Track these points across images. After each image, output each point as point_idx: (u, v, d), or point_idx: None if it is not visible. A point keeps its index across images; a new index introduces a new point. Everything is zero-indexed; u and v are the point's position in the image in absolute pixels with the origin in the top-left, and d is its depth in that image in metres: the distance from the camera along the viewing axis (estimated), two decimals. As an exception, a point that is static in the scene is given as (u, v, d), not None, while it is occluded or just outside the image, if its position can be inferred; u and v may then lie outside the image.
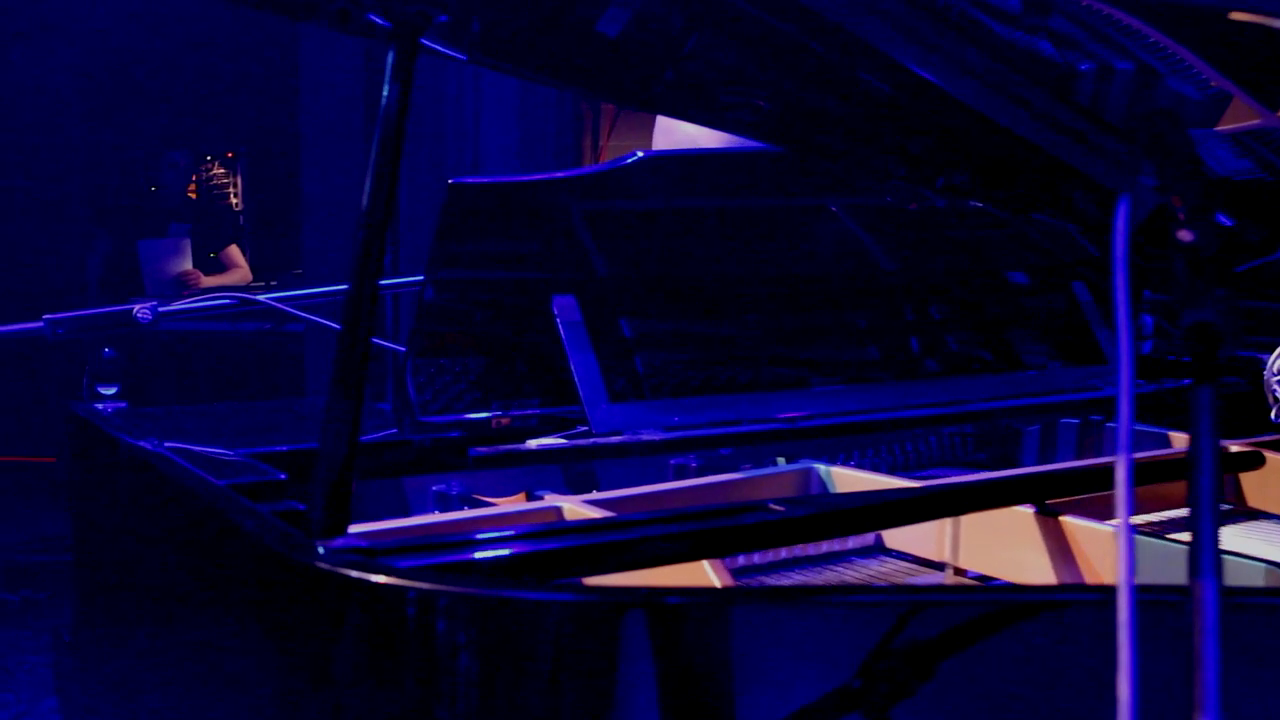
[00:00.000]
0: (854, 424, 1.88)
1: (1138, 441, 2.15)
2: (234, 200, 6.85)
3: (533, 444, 1.61)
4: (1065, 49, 2.20)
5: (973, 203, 2.45)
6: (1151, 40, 1.93)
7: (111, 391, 1.89)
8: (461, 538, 1.09)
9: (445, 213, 1.66)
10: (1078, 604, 0.93)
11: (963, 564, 1.57)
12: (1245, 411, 2.26)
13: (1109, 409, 2.19)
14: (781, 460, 1.84)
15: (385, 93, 1.09)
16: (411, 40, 1.08)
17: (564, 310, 1.77)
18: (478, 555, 1.04)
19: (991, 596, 0.94)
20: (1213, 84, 2.03)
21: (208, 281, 6.11)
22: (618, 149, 9.19)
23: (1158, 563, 1.44)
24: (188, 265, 6.06)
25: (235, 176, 6.79)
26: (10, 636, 4.38)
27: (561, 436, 1.67)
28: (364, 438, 1.55)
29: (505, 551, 1.06)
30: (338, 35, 5.02)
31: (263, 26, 6.26)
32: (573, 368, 1.74)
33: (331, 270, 5.03)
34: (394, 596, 0.90)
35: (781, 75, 1.95)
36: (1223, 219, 2.31)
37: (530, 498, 1.63)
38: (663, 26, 1.83)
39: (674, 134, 2.63)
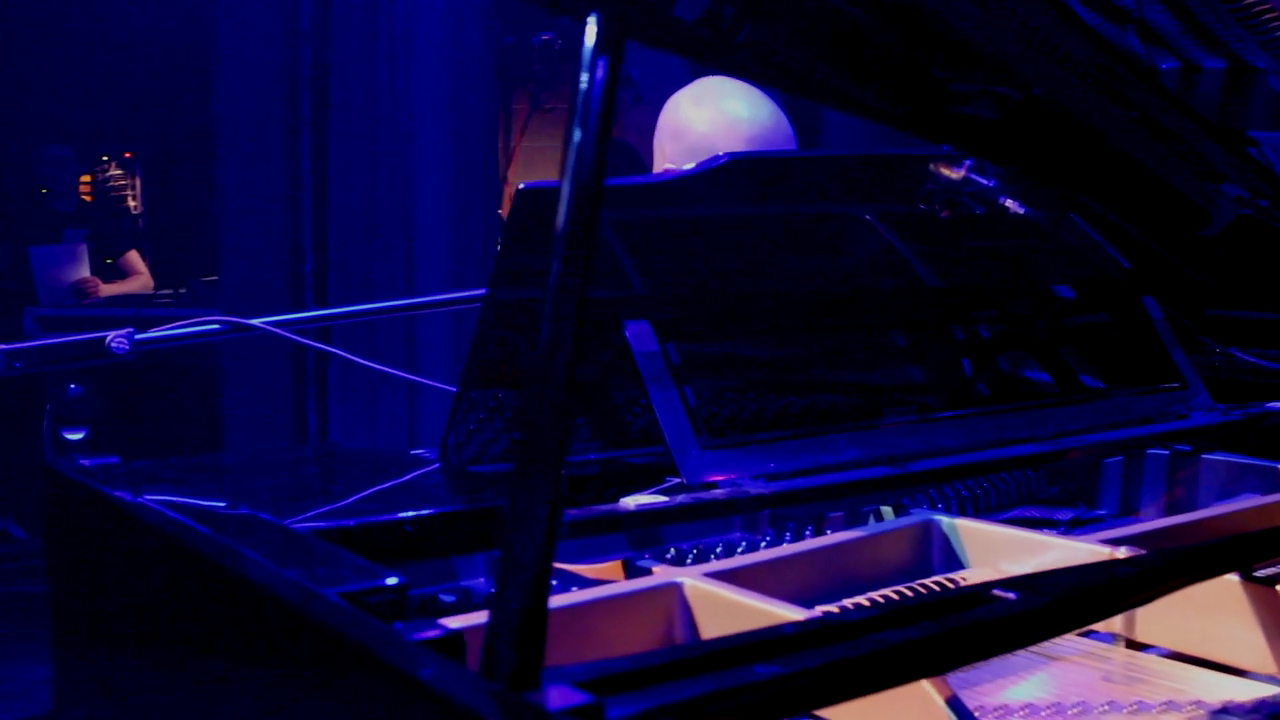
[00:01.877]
0: (968, 465, 1.65)
1: (1243, 478, 1.96)
2: (132, 203, 6.41)
3: (630, 503, 1.34)
4: (1150, 44, 2.00)
5: (1015, 208, 2.24)
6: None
7: (78, 437, 1.57)
8: (669, 658, 0.82)
9: (512, 222, 1.38)
10: None
11: (1140, 637, 1.34)
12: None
13: (1196, 438, 1.98)
14: (887, 510, 1.60)
15: (585, 77, 0.81)
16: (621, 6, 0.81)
17: (639, 339, 1.50)
18: (708, 689, 0.77)
19: None
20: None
21: (107, 290, 5.70)
22: (529, 149, 8.89)
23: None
24: (84, 272, 5.66)
25: (134, 178, 6.34)
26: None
27: (655, 491, 1.40)
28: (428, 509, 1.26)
29: (737, 683, 0.79)
30: (258, 23, 4.66)
31: (170, 20, 5.85)
32: (654, 407, 1.47)
33: (254, 277, 4.68)
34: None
35: (843, 65, 1.73)
36: (1303, 229, 2.14)
37: (630, 569, 1.36)
38: (718, 15, 1.62)
39: (686, 136, 2.37)
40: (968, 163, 2.13)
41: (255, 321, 1.69)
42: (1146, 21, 1.90)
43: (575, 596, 1.19)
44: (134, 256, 5.87)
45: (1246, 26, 1.75)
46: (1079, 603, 1.02)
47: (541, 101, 8.61)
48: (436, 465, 1.47)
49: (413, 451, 1.55)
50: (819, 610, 1.31)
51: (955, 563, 1.50)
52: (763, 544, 1.54)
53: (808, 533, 1.59)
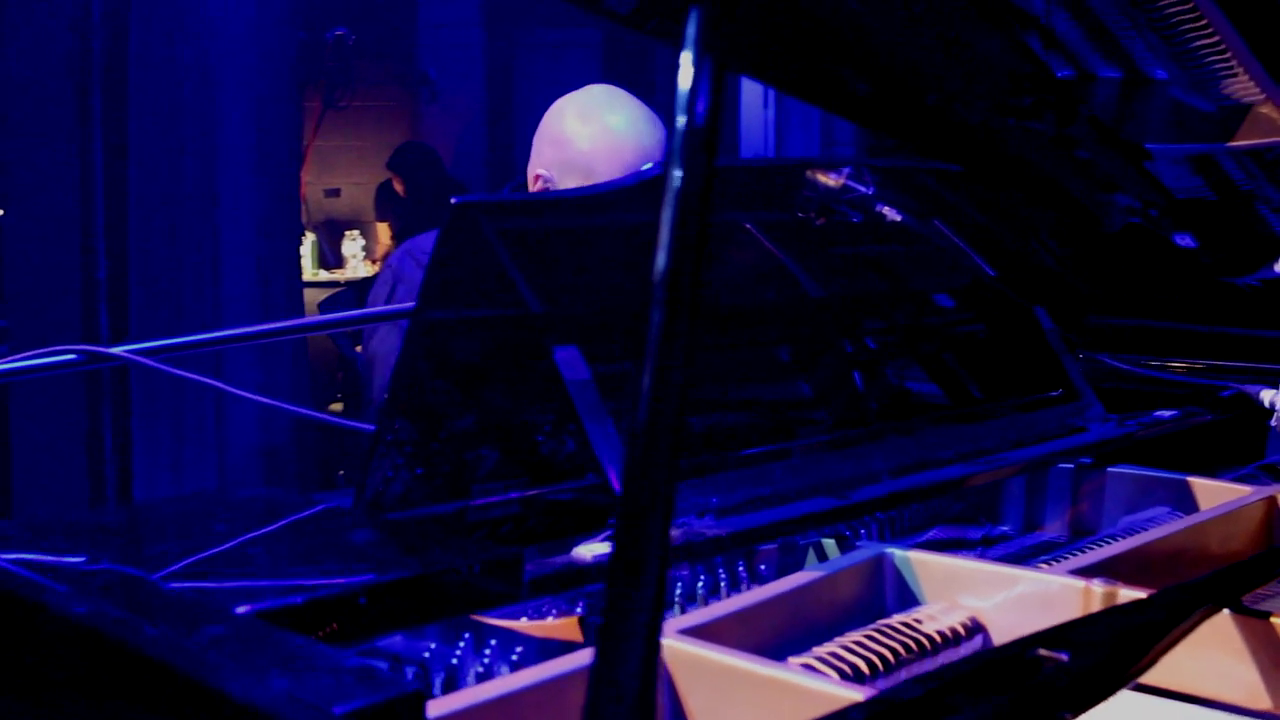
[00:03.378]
0: (908, 492, 1.57)
1: (1151, 491, 1.94)
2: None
3: (587, 554, 1.20)
4: (1050, 50, 1.97)
5: (892, 215, 2.18)
6: (1204, 41, 1.71)
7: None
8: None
9: (444, 239, 1.23)
10: None
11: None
12: (1228, 444, 2.10)
13: (1097, 451, 1.95)
14: (829, 543, 1.50)
15: (683, 117, 0.68)
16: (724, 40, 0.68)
17: (569, 366, 1.36)
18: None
19: None
20: (1236, 97, 1.85)
21: None
22: (323, 148, 8.55)
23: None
24: None
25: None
26: None
27: (606, 538, 1.26)
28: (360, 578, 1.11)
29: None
30: (40, 13, 4.30)
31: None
32: (592, 443, 1.34)
33: (40, 286, 4.31)
34: None
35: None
36: (1187, 240, 2.15)
37: (588, 626, 1.22)
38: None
39: (566, 148, 2.25)
40: (846, 170, 2.06)
41: (117, 350, 1.47)
42: (1051, 28, 1.87)
43: (549, 669, 1.05)
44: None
45: (1159, 33, 1.72)
46: (1130, 655, 0.94)
47: (336, 99, 8.30)
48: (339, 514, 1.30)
49: (314, 496, 1.37)
50: (792, 661, 1.21)
51: (910, 598, 1.41)
52: (700, 584, 1.43)
53: (739, 568, 1.49)
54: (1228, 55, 1.66)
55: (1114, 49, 1.88)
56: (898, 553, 1.42)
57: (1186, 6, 1.57)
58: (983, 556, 1.77)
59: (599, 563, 1.19)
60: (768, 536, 1.37)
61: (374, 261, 8.16)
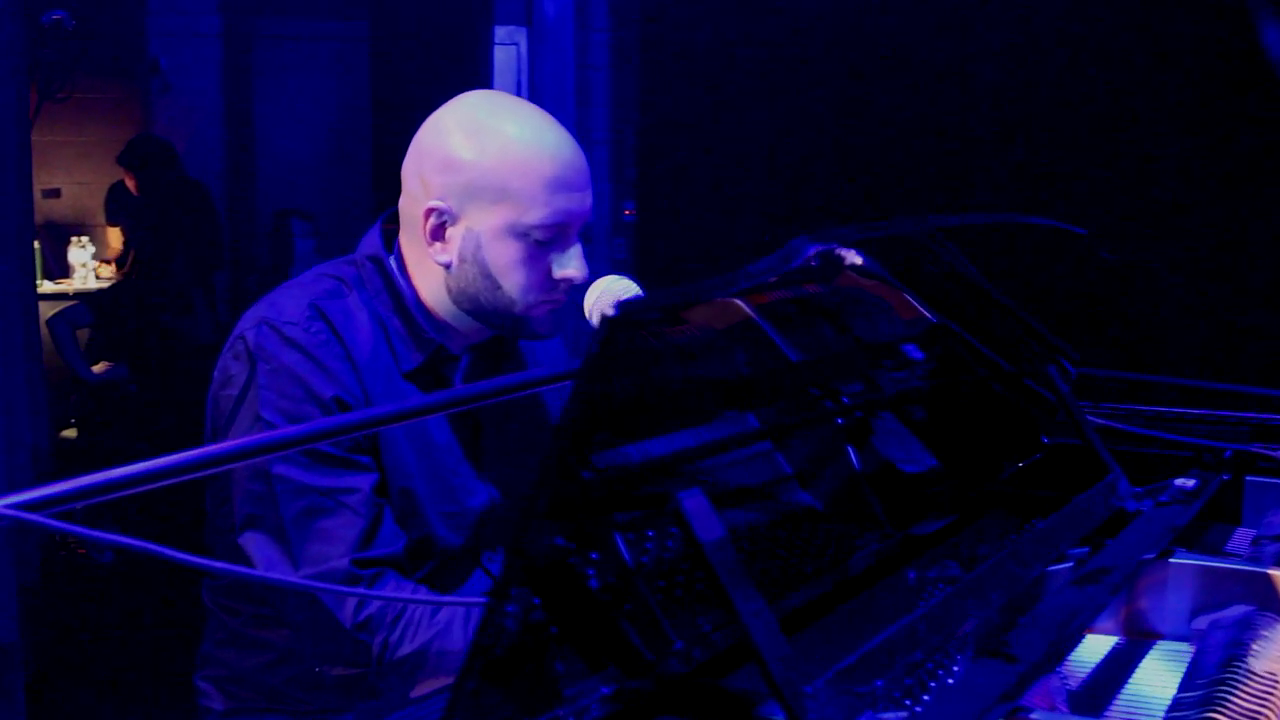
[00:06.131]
0: (1063, 643, 1.27)
1: (1221, 584, 1.71)
2: None
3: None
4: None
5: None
6: None
7: None
8: None
9: (591, 366, 0.84)
10: None
11: None
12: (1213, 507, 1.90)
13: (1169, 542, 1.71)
14: None
15: None
16: None
17: (699, 516, 1.00)
18: None
19: None
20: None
21: None
22: (41, 144, 7.68)
23: None
24: None
25: None
26: None
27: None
28: None
29: None
30: None
31: None
32: (746, 625, 0.98)
33: None
34: None
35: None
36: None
37: None
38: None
39: (462, 170, 1.81)
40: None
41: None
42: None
43: None
44: None
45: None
46: None
47: (54, 90, 7.45)
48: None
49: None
50: None
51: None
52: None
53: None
54: None
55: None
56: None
57: None
58: (1063, 677, 1.51)
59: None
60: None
61: (100, 269, 7.39)
